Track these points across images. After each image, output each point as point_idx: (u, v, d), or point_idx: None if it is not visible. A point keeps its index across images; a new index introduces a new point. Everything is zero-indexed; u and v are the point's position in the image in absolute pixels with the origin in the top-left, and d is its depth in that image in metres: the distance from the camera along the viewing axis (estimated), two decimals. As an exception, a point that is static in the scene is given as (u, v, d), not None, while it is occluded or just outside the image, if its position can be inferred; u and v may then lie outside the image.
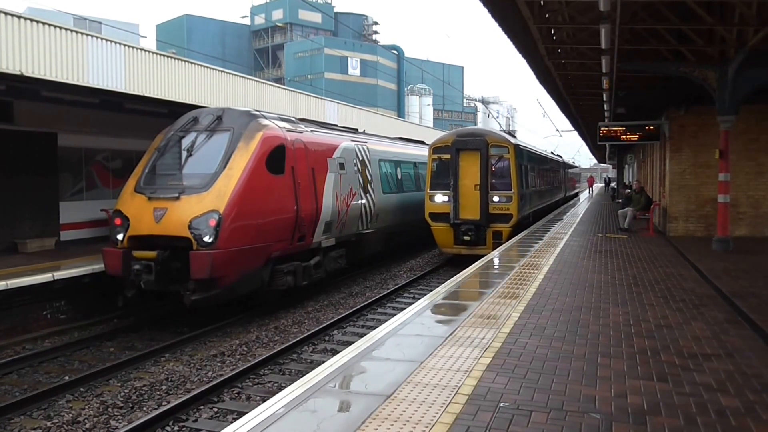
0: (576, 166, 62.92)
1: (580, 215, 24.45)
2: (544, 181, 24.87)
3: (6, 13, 10.64)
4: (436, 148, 17.26)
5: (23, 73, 10.89)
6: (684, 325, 6.70)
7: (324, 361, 6.23)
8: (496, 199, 16.51)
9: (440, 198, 16.89)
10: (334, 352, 9.11)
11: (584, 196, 50.56)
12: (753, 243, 14.26)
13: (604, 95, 17.36)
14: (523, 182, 17.63)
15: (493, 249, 14.65)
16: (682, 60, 13.02)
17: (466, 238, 16.46)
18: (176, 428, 6.62)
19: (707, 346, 5.86)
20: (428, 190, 17.14)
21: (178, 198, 10.41)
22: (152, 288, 10.29)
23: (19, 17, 10.90)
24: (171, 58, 14.82)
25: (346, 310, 12.07)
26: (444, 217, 16.84)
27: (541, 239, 15.17)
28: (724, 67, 12.39)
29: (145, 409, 7.22)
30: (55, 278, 10.70)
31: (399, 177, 18.88)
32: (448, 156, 16.87)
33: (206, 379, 8.17)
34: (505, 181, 16.67)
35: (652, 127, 17.40)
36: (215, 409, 7.13)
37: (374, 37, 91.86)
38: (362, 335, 8.39)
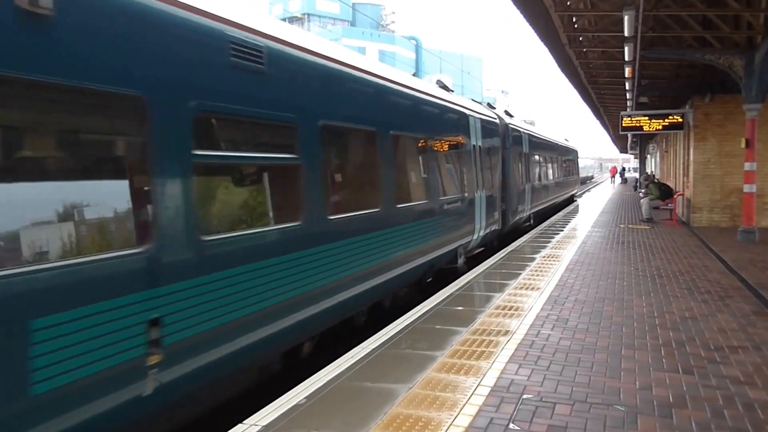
0: (573, 149, 34.14)
1: (602, 206, 24.18)
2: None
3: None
4: None
5: None
6: (709, 316, 6.60)
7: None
8: None
9: None
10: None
11: (603, 187, 49.94)
12: (780, 233, 13.98)
13: (627, 84, 17.13)
14: None
15: None
16: (708, 47, 12.77)
17: None
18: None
19: (734, 339, 5.77)
20: None
21: None
22: None
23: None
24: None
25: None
26: None
27: (562, 230, 15.03)
28: (751, 54, 12.11)
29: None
30: None
31: None
32: None
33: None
34: None
35: (676, 117, 17.12)
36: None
37: (392, 27, 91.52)
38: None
